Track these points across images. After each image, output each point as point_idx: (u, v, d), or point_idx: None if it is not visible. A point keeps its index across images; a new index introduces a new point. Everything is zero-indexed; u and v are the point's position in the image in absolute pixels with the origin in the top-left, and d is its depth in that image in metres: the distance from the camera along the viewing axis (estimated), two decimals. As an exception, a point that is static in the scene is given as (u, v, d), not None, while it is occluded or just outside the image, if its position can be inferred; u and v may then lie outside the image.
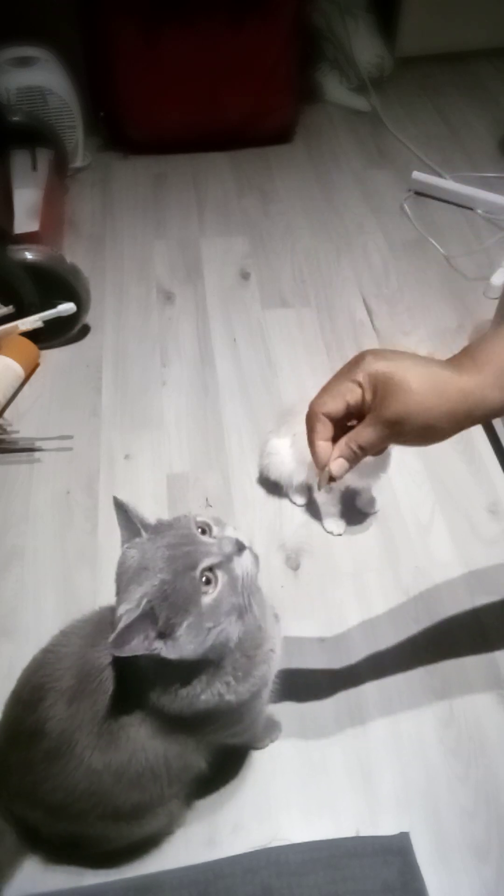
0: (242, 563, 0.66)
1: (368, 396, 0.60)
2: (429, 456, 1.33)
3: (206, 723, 0.74)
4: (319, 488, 0.64)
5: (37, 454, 1.34)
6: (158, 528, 0.68)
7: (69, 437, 1.36)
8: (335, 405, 0.62)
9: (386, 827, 0.91)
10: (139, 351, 1.55)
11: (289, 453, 1.18)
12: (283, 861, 0.87)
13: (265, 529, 1.23)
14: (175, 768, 0.76)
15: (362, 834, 0.91)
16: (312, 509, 1.25)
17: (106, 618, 0.74)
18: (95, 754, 0.72)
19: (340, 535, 1.22)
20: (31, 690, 0.76)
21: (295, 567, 1.18)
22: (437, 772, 0.96)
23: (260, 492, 1.28)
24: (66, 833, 0.81)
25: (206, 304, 1.65)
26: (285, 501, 1.27)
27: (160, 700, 0.69)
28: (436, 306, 1.63)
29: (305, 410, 0.63)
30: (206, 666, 0.68)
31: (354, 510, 1.25)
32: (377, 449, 0.63)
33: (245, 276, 1.72)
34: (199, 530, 0.67)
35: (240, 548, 0.66)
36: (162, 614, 0.62)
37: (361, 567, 1.18)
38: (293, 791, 0.95)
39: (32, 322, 1.42)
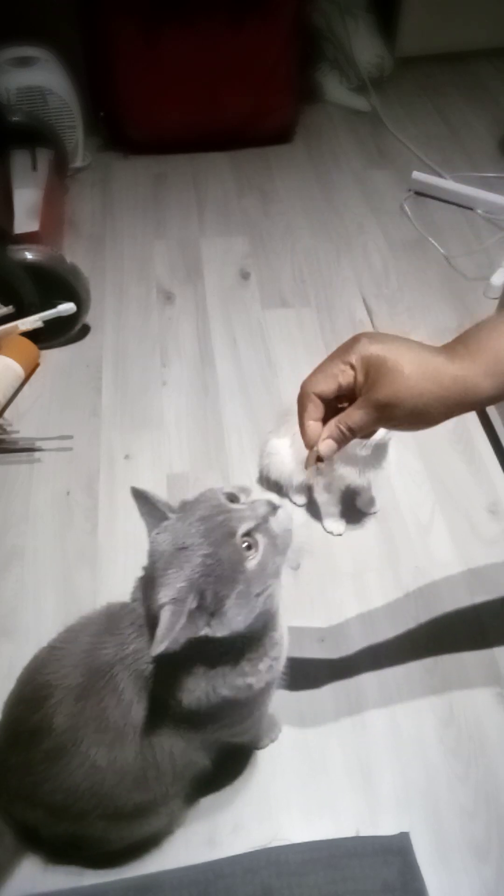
0: (279, 521, 0.65)
1: (361, 378, 0.60)
2: (429, 456, 1.33)
3: (219, 716, 0.73)
4: (307, 468, 0.64)
5: (37, 454, 1.34)
6: (186, 507, 0.66)
7: (69, 437, 1.36)
8: (327, 386, 0.62)
9: (386, 827, 0.91)
10: (139, 351, 1.55)
11: (289, 453, 1.18)
12: (283, 861, 0.87)
13: (265, 529, 1.23)
14: (179, 765, 0.76)
15: (362, 834, 0.91)
16: (312, 509, 1.25)
17: (115, 614, 0.73)
18: (101, 751, 0.71)
19: (340, 535, 1.22)
20: (35, 689, 0.75)
21: (295, 567, 1.18)
22: (437, 771, 0.96)
23: (260, 492, 1.28)
24: (67, 834, 0.81)
25: (206, 304, 1.65)
26: (285, 501, 1.27)
27: (185, 688, 0.67)
28: (436, 306, 1.63)
29: None
30: (247, 643, 0.67)
31: (354, 510, 1.25)
32: (366, 431, 0.62)
33: (245, 276, 1.72)
34: (228, 500, 0.66)
35: (273, 507, 0.66)
36: (209, 591, 0.60)
37: (361, 567, 1.18)
38: (293, 791, 0.95)
39: (32, 322, 1.42)
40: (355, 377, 0.61)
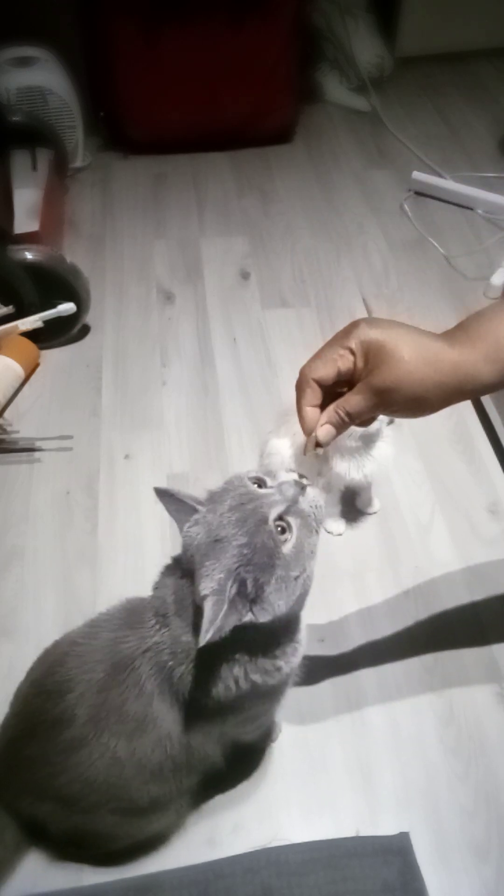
0: (309, 500, 0.66)
1: (360, 364, 0.60)
2: (429, 456, 1.33)
3: (241, 707, 0.73)
4: (305, 454, 0.64)
5: (37, 454, 1.34)
6: (213, 498, 0.66)
7: (69, 437, 1.36)
8: (326, 371, 0.61)
9: (386, 827, 0.91)
10: (139, 351, 1.55)
11: (289, 453, 1.18)
12: (283, 861, 0.87)
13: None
14: (196, 758, 0.77)
15: (362, 834, 0.91)
16: (312, 509, 1.24)
17: (135, 608, 0.73)
18: (121, 742, 0.71)
19: (340, 535, 1.22)
20: (57, 682, 0.74)
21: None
22: (436, 771, 0.96)
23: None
24: (75, 829, 0.81)
25: (206, 304, 1.65)
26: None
27: (219, 676, 0.68)
28: (436, 306, 1.63)
29: None
30: (285, 625, 0.68)
31: (354, 510, 1.25)
32: (365, 417, 0.62)
33: (245, 276, 1.72)
34: (255, 485, 0.66)
35: (302, 486, 0.66)
36: (249, 579, 0.61)
37: (361, 566, 1.18)
38: (293, 791, 0.95)
39: (32, 322, 1.42)
40: (355, 362, 0.60)
